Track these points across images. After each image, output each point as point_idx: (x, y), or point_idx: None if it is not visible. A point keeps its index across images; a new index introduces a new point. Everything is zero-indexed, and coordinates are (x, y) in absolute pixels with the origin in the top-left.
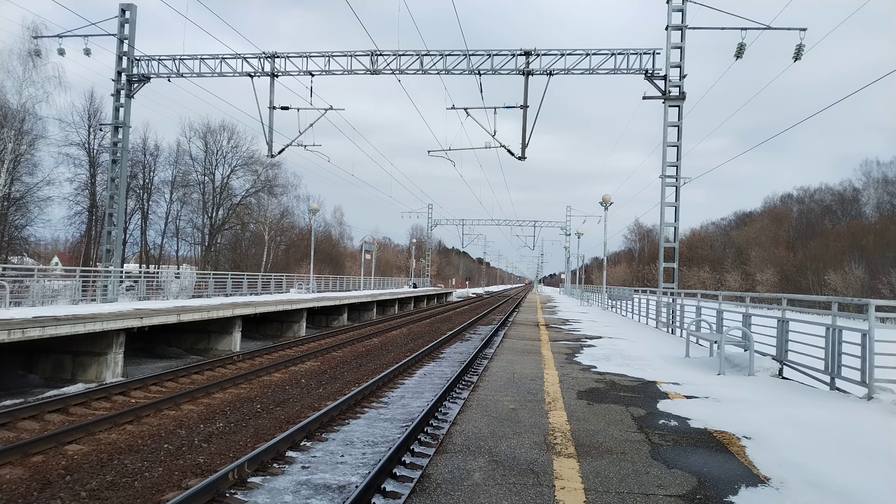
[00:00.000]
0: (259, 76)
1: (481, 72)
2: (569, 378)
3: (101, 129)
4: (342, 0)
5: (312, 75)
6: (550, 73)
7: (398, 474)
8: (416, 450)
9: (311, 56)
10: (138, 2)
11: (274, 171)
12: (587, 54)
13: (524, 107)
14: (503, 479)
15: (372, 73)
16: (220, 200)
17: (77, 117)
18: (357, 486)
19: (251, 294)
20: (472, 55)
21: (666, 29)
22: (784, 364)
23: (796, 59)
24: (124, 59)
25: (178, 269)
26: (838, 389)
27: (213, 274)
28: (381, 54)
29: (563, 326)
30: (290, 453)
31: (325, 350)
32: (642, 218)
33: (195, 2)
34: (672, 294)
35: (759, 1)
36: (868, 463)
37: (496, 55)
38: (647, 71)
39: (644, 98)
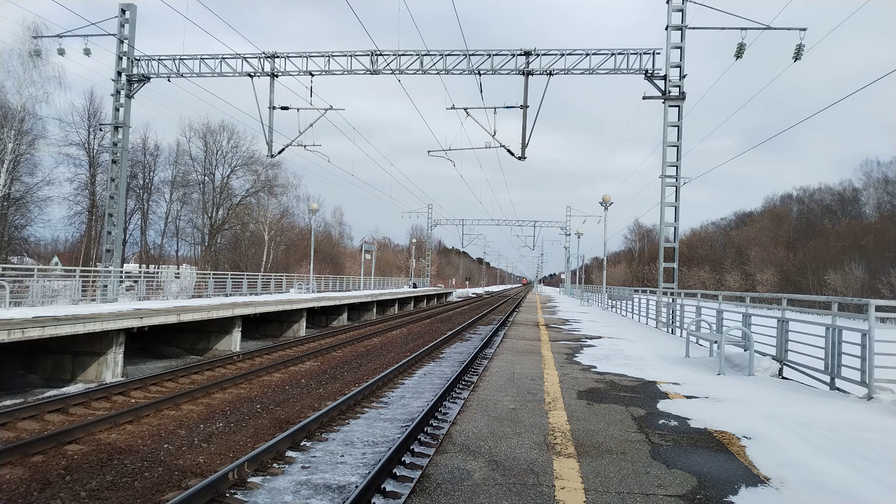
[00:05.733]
0: (259, 76)
1: (481, 72)
2: (569, 378)
3: (101, 129)
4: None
5: (312, 75)
6: (550, 73)
7: (398, 474)
8: (416, 450)
9: (311, 56)
10: (138, 2)
11: (274, 171)
12: (587, 54)
13: (524, 107)
14: (503, 479)
15: (372, 74)
16: (220, 200)
17: (77, 117)
18: (357, 486)
19: (251, 294)
20: (472, 55)
21: (666, 29)
22: (784, 364)
23: (796, 59)
24: (124, 59)
25: (178, 269)
26: (838, 389)
27: (213, 274)
28: (381, 54)
29: (563, 326)
30: (290, 453)
31: (325, 350)
32: (642, 218)
33: (195, 2)
34: (672, 294)
35: (759, 1)
36: (868, 463)
37: (496, 55)
38: (647, 71)
39: (644, 98)
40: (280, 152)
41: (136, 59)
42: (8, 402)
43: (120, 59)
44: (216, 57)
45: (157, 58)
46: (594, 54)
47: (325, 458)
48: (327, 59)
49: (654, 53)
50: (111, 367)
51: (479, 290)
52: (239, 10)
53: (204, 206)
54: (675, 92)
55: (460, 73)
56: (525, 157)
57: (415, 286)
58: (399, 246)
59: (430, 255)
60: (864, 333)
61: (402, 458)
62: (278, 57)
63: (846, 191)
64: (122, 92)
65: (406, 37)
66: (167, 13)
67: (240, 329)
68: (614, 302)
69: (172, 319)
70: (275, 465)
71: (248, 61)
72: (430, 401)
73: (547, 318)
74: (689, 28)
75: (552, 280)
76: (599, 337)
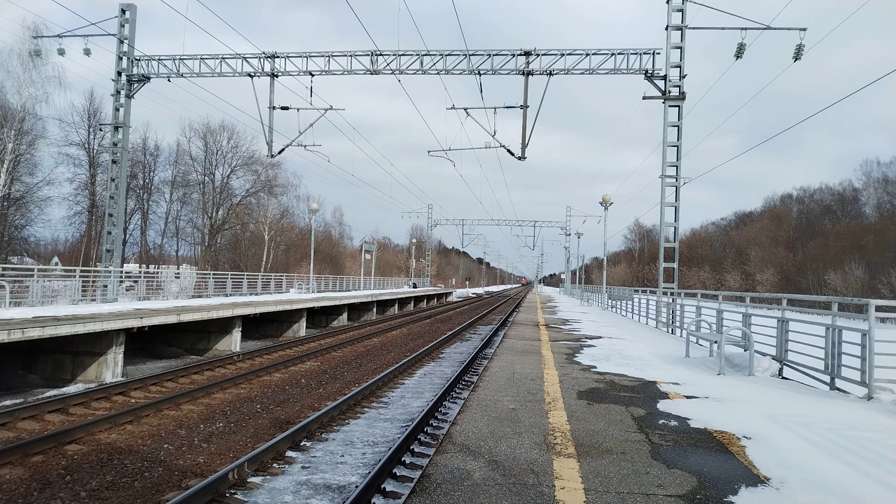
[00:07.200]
0: (259, 76)
1: (481, 72)
2: (569, 378)
3: (101, 129)
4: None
5: (312, 75)
6: (550, 73)
7: (398, 474)
8: (416, 450)
9: (311, 56)
10: (138, 2)
11: (274, 171)
12: (587, 54)
13: (524, 107)
14: (503, 479)
15: (372, 74)
16: (220, 200)
17: (77, 117)
18: (357, 486)
19: (251, 294)
20: (472, 55)
21: (666, 29)
22: (784, 364)
23: (796, 59)
24: (124, 59)
25: (178, 269)
26: (838, 389)
27: (213, 274)
28: (381, 54)
29: (563, 326)
30: (290, 453)
31: (325, 350)
32: (642, 218)
33: (195, 2)
34: (672, 294)
35: (759, 1)
36: (868, 463)
37: (496, 55)
38: (647, 71)
39: (644, 98)
40: (280, 152)
41: (136, 59)
42: (8, 402)
43: (120, 59)
44: (216, 57)
45: (157, 58)
46: (594, 54)
47: (325, 458)
48: (327, 59)
49: (654, 53)
50: (111, 367)
51: (479, 291)
52: (239, 10)
53: (204, 206)
54: (675, 92)
55: (460, 73)
56: (525, 157)
57: (415, 286)
58: (399, 246)
59: (430, 255)
60: (864, 333)
61: (402, 458)
62: (278, 57)
63: (846, 191)
64: (122, 92)
65: (406, 37)
66: (167, 13)
67: (240, 329)
68: (614, 302)
69: (172, 319)
70: (275, 465)
71: (248, 61)
72: (430, 401)
73: (547, 318)
74: (689, 28)
75: (552, 280)
76: (599, 337)
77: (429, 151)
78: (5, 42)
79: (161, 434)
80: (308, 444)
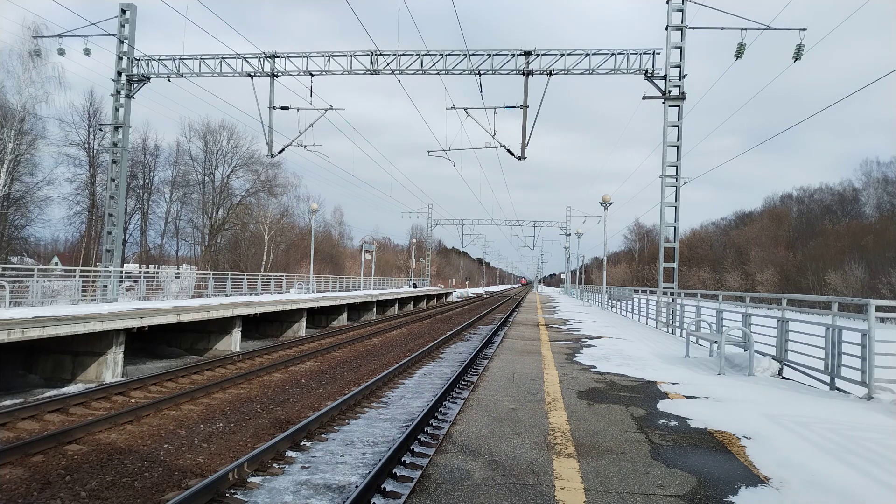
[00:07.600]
0: (259, 76)
1: (481, 72)
2: (569, 378)
3: (100, 129)
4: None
5: (312, 75)
6: (550, 73)
7: (398, 474)
8: (416, 450)
9: (311, 56)
10: (138, 2)
11: (274, 171)
12: (587, 54)
13: (524, 107)
14: (503, 479)
15: (372, 74)
16: (220, 200)
17: (77, 117)
18: (357, 486)
19: (251, 294)
20: (472, 55)
21: (666, 29)
22: (784, 364)
23: (796, 59)
24: (124, 59)
25: (178, 269)
26: (838, 389)
27: (213, 274)
28: (381, 54)
29: (563, 326)
30: (290, 453)
31: (325, 350)
32: (642, 218)
33: (195, 2)
34: (672, 294)
35: (759, 1)
36: (868, 463)
37: (496, 55)
38: (647, 71)
39: (644, 98)
40: (280, 152)
41: (136, 59)
42: (8, 402)
43: (120, 59)
44: (216, 57)
45: (157, 58)
46: (594, 54)
47: (325, 458)
48: (327, 59)
49: (654, 53)
50: (111, 367)
51: (479, 291)
52: (239, 10)
53: (204, 206)
54: (675, 92)
55: (460, 73)
56: (525, 157)
57: (415, 286)
58: (399, 246)
59: (430, 255)
60: (864, 333)
61: (402, 458)
62: (278, 57)
63: (846, 191)
64: (122, 92)
65: (406, 37)
66: (167, 13)
67: (240, 329)
68: (614, 302)
69: (172, 319)
70: (275, 465)
71: (248, 61)
72: (430, 401)
73: (547, 318)
74: (689, 28)
75: (552, 280)
76: (599, 337)
77: (429, 151)
78: (5, 42)
79: (161, 434)
80: (308, 444)
